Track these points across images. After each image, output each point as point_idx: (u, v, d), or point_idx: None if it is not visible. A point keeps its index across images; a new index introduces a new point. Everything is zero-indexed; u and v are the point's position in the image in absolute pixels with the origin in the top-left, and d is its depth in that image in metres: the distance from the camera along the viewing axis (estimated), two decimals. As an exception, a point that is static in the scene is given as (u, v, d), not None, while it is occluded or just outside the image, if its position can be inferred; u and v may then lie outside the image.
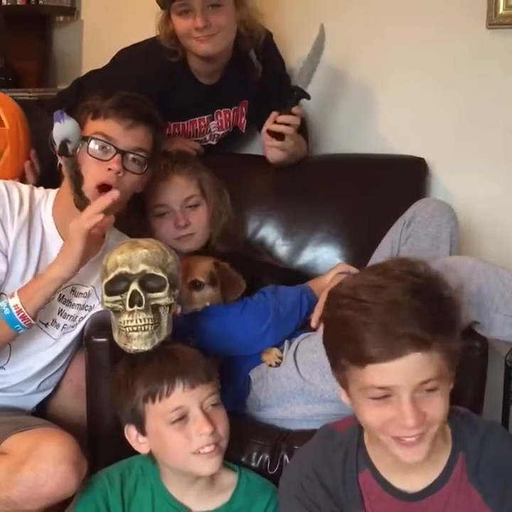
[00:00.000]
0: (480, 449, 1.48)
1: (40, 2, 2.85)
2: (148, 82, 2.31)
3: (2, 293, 1.83)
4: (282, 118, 2.28)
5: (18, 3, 2.84)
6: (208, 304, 1.93)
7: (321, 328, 1.93)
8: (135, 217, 2.10)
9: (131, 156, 1.85)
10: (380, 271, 1.45)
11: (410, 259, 1.48)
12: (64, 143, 1.79)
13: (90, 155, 1.83)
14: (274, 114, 2.29)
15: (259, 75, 2.41)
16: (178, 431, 1.60)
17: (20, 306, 1.72)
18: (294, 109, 2.29)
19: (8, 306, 1.73)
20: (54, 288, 1.76)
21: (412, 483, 1.49)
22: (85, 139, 1.84)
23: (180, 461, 1.62)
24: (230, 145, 2.62)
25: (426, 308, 1.36)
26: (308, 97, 2.33)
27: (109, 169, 1.82)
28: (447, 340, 1.38)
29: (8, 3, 2.84)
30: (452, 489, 1.47)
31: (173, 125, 2.42)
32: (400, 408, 1.36)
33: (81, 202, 1.80)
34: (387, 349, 1.34)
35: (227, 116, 2.49)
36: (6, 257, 1.83)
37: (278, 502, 1.61)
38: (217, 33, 2.24)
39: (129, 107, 1.86)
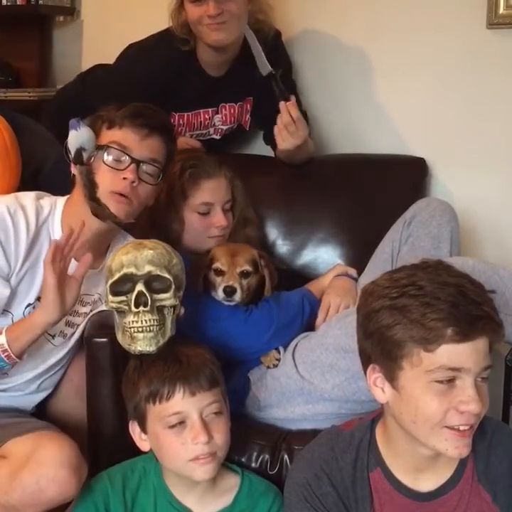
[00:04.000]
0: (488, 450, 1.48)
1: (40, 2, 2.84)
2: (155, 71, 2.34)
3: (6, 310, 1.83)
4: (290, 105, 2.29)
5: (18, 3, 2.84)
6: (247, 292, 1.95)
7: (321, 328, 1.95)
8: (173, 210, 2.09)
9: (145, 166, 1.84)
10: (424, 266, 1.44)
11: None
12: (79, 151, 1.80)
13: (105, 164, 1.82)
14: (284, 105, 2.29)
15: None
16: (175, 436, 1.60)
17: (5, 346, 1.71)
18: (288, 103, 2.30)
19: None
20: (40, 332, 1.74)
21: (425, 483, 1.49)
22: (100, 148, 1.83)
23: (176, 465, 1.62)
24: (233, 142, 2.63)
25: (486, 295, 1.38)
26: (276, 71, 2.33)
27: (124, 178, 1.81)
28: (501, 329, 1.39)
29: (8, 3, 2.83)
30: (464, 490, 1.48)
31: (178, 116, 2.43)
32: (464, 393, 1.35)
33: (99, 209, 1.80)
34: (463, 329, 1.33)
35: (232, 111, 2.50)
36: (8, 281, 1.81)
37: (284, 503, 1.60)
38: (228, 21, 2.26)
39: (144, 117, 1.84)
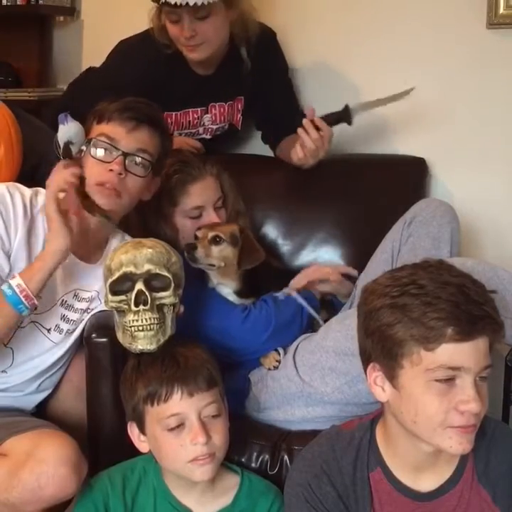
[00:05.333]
0: (488, 450, 1.48)
1: (40, 2, 2.84)
2: (143, 70, 2.34)
3: None
4: (318, 120, 2.30)
5: (18, 3, 2.84)
6: (223, 264, 1.96)
7: (321, 330, 1.94)
8: (163, 219, 2.07)
9: (134, 158, 1.84)
10: (425, 266, 1.44)
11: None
12: (67, 145, 1.81)
13: (93, 157, 1.83)
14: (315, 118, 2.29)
15: (248, 71, 2.42)
16: (174, 438, 1.59)
17: (23, 286, 1.71)
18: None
19: (10, 287, 1.72)
20: (54, 261, 1.74)
21: (425, 483, 1.49)
22: (89, 142, 1.84)
23: (175, 466, 1.62)
24: (226, 142, 2.62)
25: (487, 295, 1.38)
26: (349, 122, 2.34)
27: (111, 170, 1.82)
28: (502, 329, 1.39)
29: (8, 3, 2.84)
30: (464, 489, 1.48)
31: (166, 115, 2.40)
32: (463, 392, 1.35)
33: (88, 203, 1.80)
34: (463, 329, 1.34)
35: (222, 110, 2.49)
36: (9, 258, 1.81)
37: (284, 504, 1.60)
38: (204, 43, 2.26)
39: (132, 110, 1.85)
